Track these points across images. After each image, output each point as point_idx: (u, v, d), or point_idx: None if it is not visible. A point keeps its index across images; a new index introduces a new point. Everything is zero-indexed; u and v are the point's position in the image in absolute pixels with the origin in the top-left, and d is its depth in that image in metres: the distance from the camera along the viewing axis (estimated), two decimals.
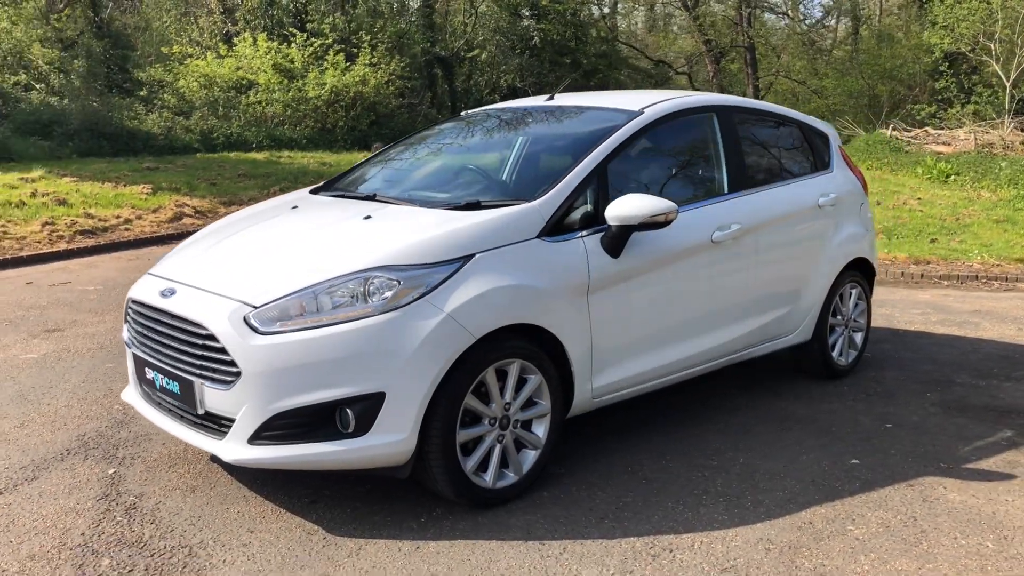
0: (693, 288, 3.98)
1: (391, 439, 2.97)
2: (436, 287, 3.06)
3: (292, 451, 2.95)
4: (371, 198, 3.88)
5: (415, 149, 4.59)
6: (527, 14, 28.11)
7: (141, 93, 20.86)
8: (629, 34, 39.10)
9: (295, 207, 3.95)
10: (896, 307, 7.07)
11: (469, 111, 5.09)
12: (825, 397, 4.76)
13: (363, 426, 2.94)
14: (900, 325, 6.53)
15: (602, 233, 3.55)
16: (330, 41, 22.27)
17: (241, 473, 3.49)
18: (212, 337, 3.00)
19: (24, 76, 18.56)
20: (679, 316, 3.95)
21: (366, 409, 2.94)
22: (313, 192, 4.27)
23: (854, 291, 5.11)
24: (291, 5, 25.32)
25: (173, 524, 3.10)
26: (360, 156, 17.08)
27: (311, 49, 21.76)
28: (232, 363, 2.94)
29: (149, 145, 17.25)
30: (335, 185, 4.35)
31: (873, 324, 6.28)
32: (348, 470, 3.09)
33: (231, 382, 2.95)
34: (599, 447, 3.92)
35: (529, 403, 3.38)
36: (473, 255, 3.20)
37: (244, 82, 21.24)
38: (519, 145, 4.32)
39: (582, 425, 4.09)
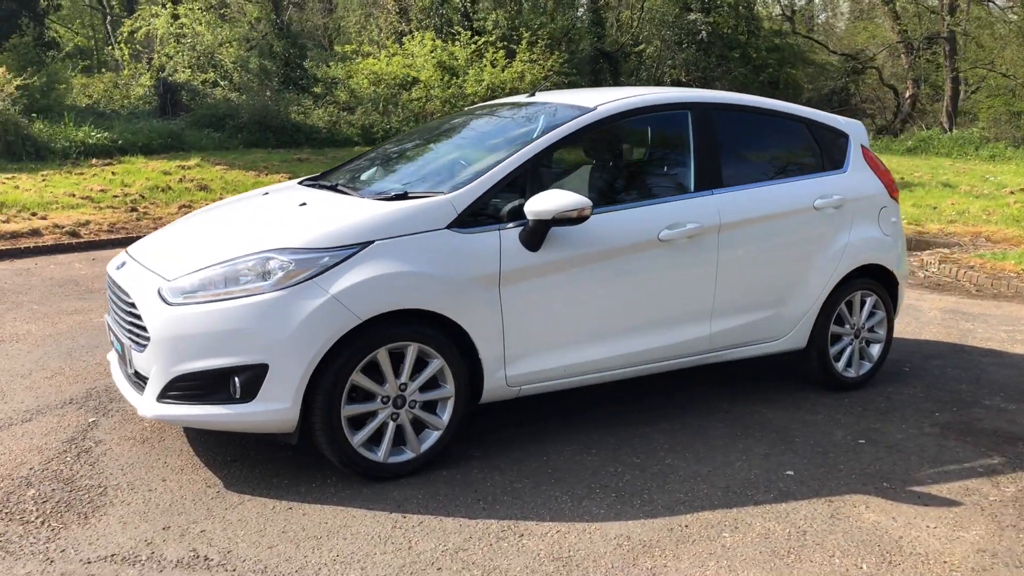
0: (635, 286, 3.97)
1: (274, 407, 3.25)
2: (326, 270, 3.30)
3: (191, 411, 3.30)
4: (333, 188, 4.17)
5: (398, 144, 4.86)
6: (696, 7, 27.50)
7: (316, 90, 22.48)
8: (827, 28, 37.21)
9: (266, 193, 4.32)
10: (986, 323, 6.49)
11: (463, 111, 5.28)
12: (816, 407, 4.56)
13: (249, 393, 3.24)
14: (974, 341, 6.02)
15: (523, 227, 3.64)
16: (493, 39, 22.96)
17: (192, 433, 3.90)
18: (133, 305, 3.42)
19: (212, 74, 20.52)
20: (617, 312, 3.95)
21: (251, 378, 3.23)
22: (301, 182, 4.63)
23: (868, 300, 4.81)
24: (460, 4, 26.28)
25: (106, 467, 3.54)
26: None
27: (473, 47, 22.53)
28: (145, 328, 3.34)
29: (311, 138, 18.61)
30: (323, 175, 4.68)
31: (945, 339, 5.90)
32: (248, 433, 3.40)
33: (145, 346, 3.35)
34: (533, 436, 4.01)
35: (434, 385, 3.54)
36: (372, 242, 3.41)
37: (409, 79, 22.35)
38: (470, 141, 4.46)
39: (534, 418, 4.20)
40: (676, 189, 4.22)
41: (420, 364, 3.50)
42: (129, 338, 3.51)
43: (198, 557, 2.88)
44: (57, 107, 14.87)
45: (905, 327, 6.27)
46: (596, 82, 28.26)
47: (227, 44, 21.29)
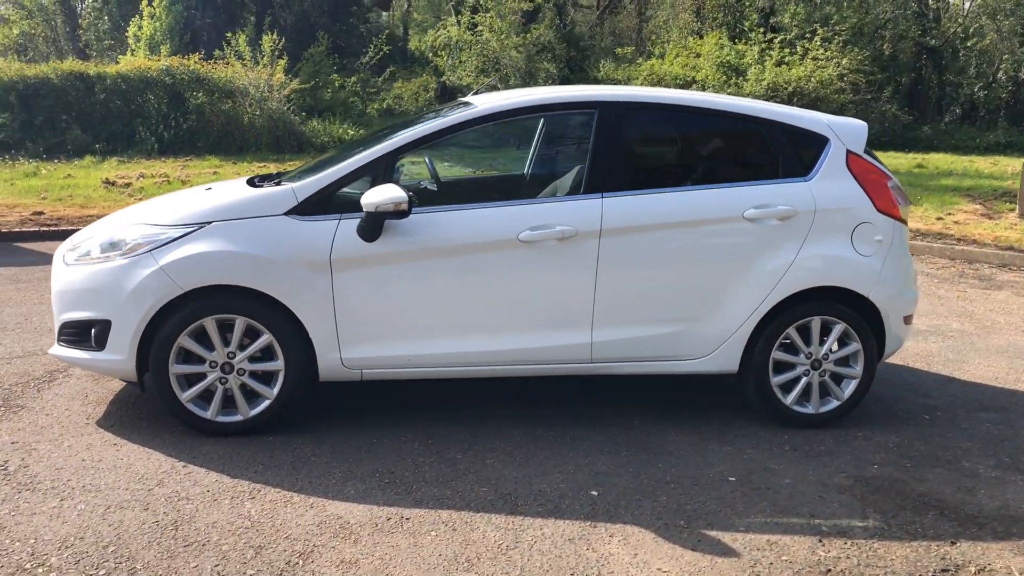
0: (491, 285, 3.95)
1: (117, 358, 3.84)
2: (163, 245, 3.81)
3: (71, 353, 3.99)
4: (276, 182, 4.58)
5: (351, 145, 5.13)
6: None
7: None
8: None
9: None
10: None
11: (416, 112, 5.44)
12: (733, 436, 4.13)
13: (100, 343, 3.86)
14: None
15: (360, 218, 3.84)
16: (791, 36, 21.90)
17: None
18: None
19: (494, 76, 22.04)
20: (470, 309, 3.96)
21: (101, 331, 3.85)
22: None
23: (835, 328, 4.21)
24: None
25: (52, 417, 4.34)
26: None
27: (763, 45, 21.65)
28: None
29: None
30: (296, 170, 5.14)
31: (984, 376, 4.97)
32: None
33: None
34: (392, 420, 4.18)
35: (269, 357, 3.89)
36: (210, 223, 3.84)
37: (689, 79, 22.13)
38: (379, 138, 4.58)
39: (416, 403, 4.38)
40: (559, 190, 4.09)
41: (254, 337, 3.86)
42: None
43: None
44: (339, 108, 17.09)
45: (987, 367, 5.26)
46: (918, 81, 25.56)
47: (512, 49, 22.72)
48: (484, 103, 4.19)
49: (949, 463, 3.95)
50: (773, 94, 21.24)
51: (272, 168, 12.78)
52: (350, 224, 3.84)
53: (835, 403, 4.31)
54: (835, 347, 4.27)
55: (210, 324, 3.82)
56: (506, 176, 4.60)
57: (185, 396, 3.86)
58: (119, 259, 3.84)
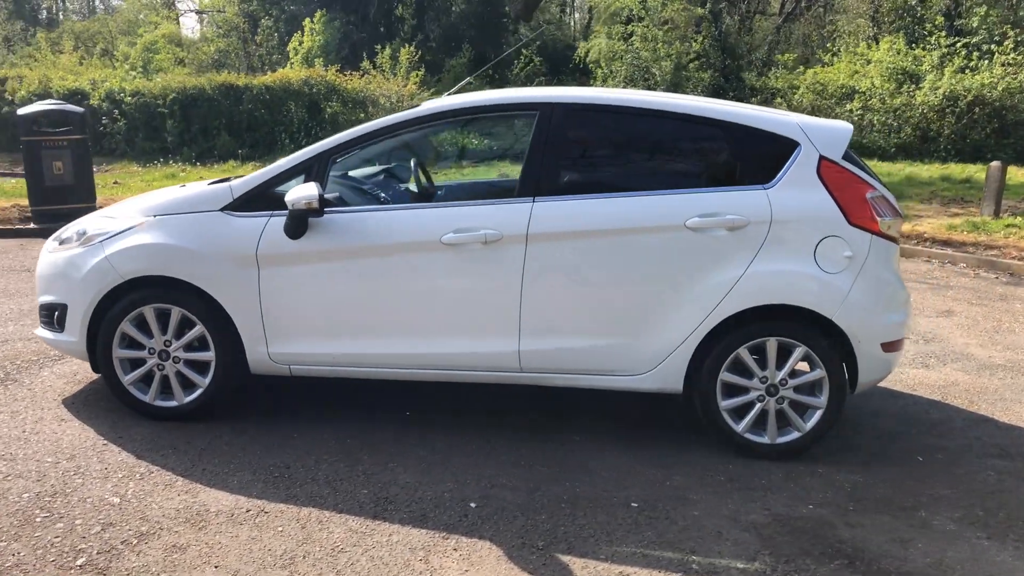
0: (413, 286, 3.89)
1: (72, 339, 4.13)
2: (112, 236, 4.06)
3: (44, 334, 4.33)
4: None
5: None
6: None
7: (753, 101, 22.29)
8: None
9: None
10: None
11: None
12: (665, 464, 3.86)
13: (60, 325, 4.17)
14: None
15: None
16: (978, 39, 20.15)
17: None
18: None
19: (644, 85, 21.73)
20: (394, 310, 3.92)
21: (61, 314, 4.15)
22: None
23: (796, 351, 3.83)
24: (941, 1, 23.44)
25: (31, 392, 4.77)
26: (963, 169, 15.94)
27: (943, 50, 20.03)
28: None
29: None
30: None
31: None
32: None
33: None
34: (325, 420, 4.22)
35: (204, 347, 4.06)
36: (155, 217, 4.06)
37: (854, 88, 20.84)
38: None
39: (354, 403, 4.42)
40: (490, 193, 3.99)
41: (191, 327, 4.03)
42: None
43: None
44: None
45: None
46: None
47: (663, 59, 22.34)
48: (430, 105, 4.16)
49: (902, 511, 3.48)
50: (950, 104, 19.57)
51: None
52: (279, 222, 3.92)
53: (795, 434, 3.91)
54: (795, 373, 3.88)
55: (149, 312, 4.03)
56: (445, 178, 4.54)
57: (127, 379, 4.09)
58: (78, 248, 4.14)
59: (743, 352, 3.85)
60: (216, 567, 2.88)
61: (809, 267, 3.78)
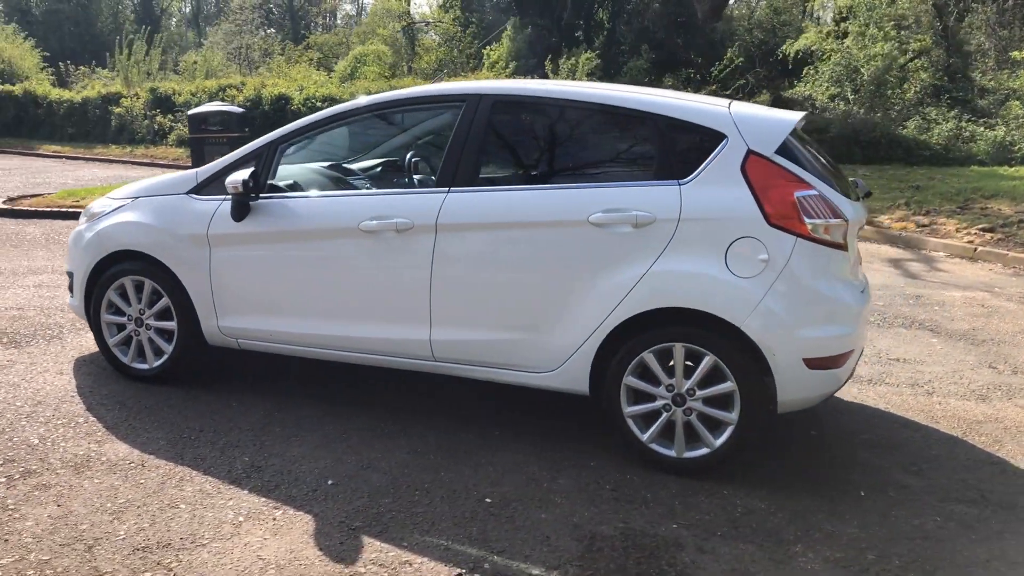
0: (336, 271, 4.05)
1: (76, 303, 4.73)
2: (108, 214, 4.59)
3: (70, 300, 4.98)
4: None
5: None
6: None
7: (982, 102, 20.10)
8: None
9: None
10: None
11: None
12: (560, 468, 3.74)
13: (72, 291, 4.78)
14: None
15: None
16: None
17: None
18: None
19: (846, 87, 20.25)
20: (319, 293, 4.10)
21: (71, 281, 4.76)
22: None
23: (705, 359, 3.56)
24: None
25: (63, 348, 5.46)
26: None
27: None
28: None
29: (914, 154, 17.13)
30: None
31: None
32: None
33: None
34: (282, 397, 4.50)
35: (169, 318, 4.48)
36: (137, 198, 4.54)
37: None
38: None
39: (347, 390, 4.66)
40: (412, 182, 4.06)
41: (158, 297, 4.48)
42: None
43: None
44: None
45: None
46: None
47: (876, 59, 20.70)
48: (368, 97, 4.28)
49: (777, 543, 3.13)
50: None
51: None
52: (228, 205, 4.25)
53: (704, 450, 3.62)
54: (707, 383, 3.59)
55: (128, 283, 4.51)
56: (378, 167, 4.63)
57: (112, 341, 4.61)
58: (85, 224, 4.72)
59: (648, 356, 3.62)
60: (59, 505, 3.21)
61: (717, 270, 3.48)
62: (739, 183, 3.51)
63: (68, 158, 19.81)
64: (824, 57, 21.56)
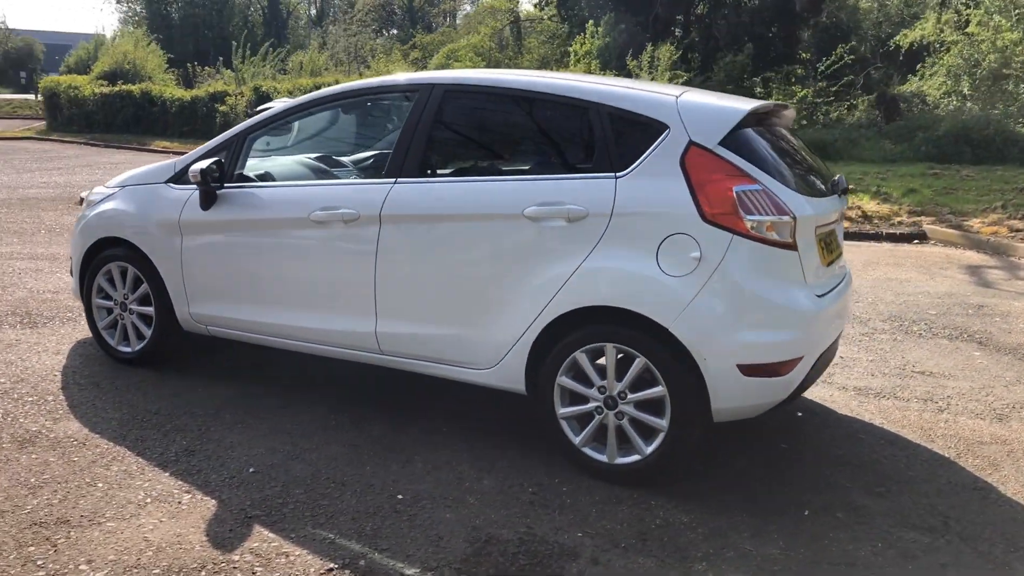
0: (291, 261, 4.07)
1: (75, 285, 4.95)
2: (99, 202, 4.78)
3: (70, 279, 5.21)
4: None
5: None
6: None
7: None
8: None
9: None
10: None
11: None
12: (496, 468, 3.64)
13: (71, 272, 5.01)
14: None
15: None
16: None
17: None
18: None
19: (966, 82, 18.99)
20: (276, 283, 4.13)
21: (72, 263, 4.99)
22: None
23: (637, 362, 3.38)
24: None
25: (72, 328, 5.70)
26: None
27: None
28: None
29: None
30: None
31: None
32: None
33: None
34: (255, 384, 4.58)
35: (148, 302, 4.63)
36: (124, 187, 4.71)
37: None
38: None
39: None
40: (363, 172, 4.05)
41: (138, 283, 4.63)
42: None
43: None
44: None
45: None
46: None
47: (1016, 46, 19.27)
48: (330, 88, 4.27)
49: (680, 559, 2.94)
50: None
51: None
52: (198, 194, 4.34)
53: (636, 457, 3.44)
54: (636, 387, 3.41)
55: (115, 269, 4.68)
56: (370, 159, 4.60)
57: (101, 325, 4.80)
58: (85, 210, 4.93)
59: (580, 356, 3.48)
60: None
61: (648, 267, 3.30)
62: (677, 176, 3.32)
63: (175, 153, 20.88)
64: (944, 49, 20.25)
